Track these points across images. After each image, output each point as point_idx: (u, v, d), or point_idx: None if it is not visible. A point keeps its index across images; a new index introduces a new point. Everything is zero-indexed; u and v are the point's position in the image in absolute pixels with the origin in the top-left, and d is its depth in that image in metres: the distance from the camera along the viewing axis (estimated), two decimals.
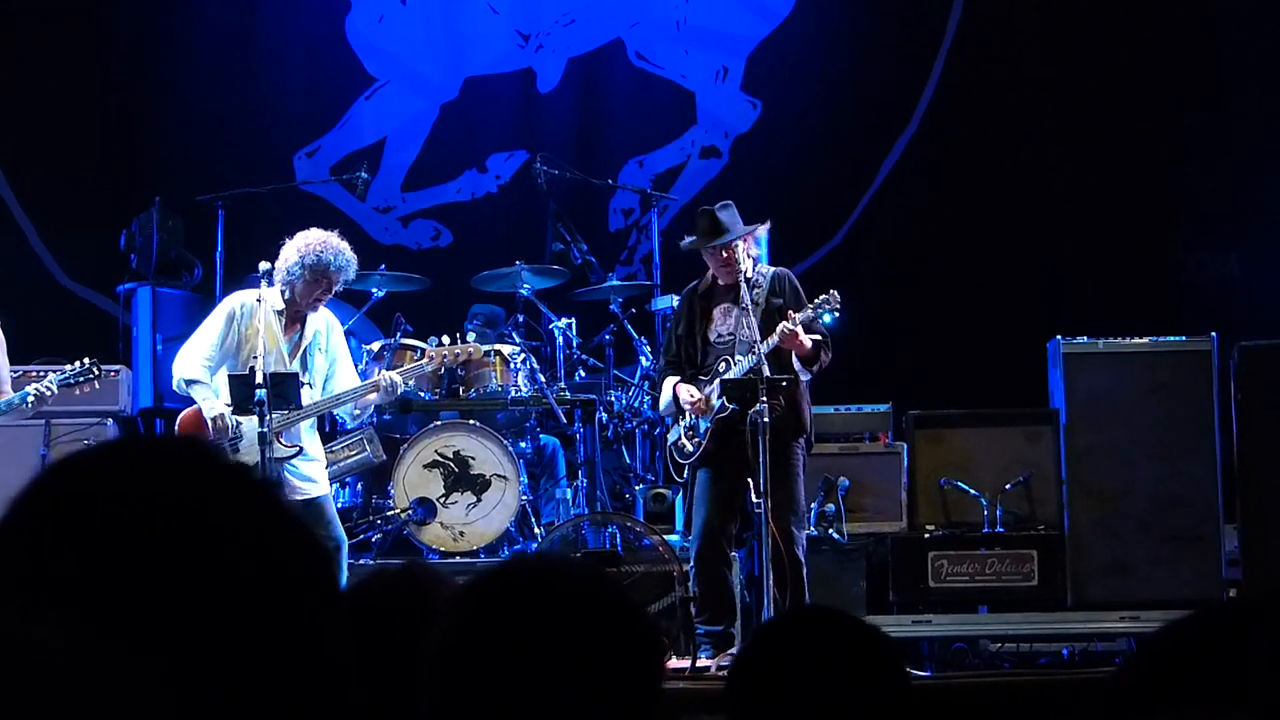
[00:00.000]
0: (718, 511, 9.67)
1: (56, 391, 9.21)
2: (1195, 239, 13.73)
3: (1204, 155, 13.59)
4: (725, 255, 9.62)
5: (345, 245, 9.38)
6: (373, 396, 9.53)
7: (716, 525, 9.66)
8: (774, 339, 9.38)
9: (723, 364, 9.58)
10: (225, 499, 1.58)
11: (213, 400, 9.25)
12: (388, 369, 11.17)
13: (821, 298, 9.48)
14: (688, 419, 9.72)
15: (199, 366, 9.35)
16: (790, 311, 9.49)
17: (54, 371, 9.36)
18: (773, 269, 9.90)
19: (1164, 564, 10.90)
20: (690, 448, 9.70)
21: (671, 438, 9.93)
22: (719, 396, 9.49)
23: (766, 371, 9.18)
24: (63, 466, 1.62)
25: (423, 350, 10.45)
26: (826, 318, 9.50)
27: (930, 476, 11.20)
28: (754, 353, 9.33)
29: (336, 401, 9.41)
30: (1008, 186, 13.79)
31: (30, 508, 1.57)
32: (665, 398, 9.89)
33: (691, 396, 9.63)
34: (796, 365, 9.51)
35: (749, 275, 9.63)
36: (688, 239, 9.90)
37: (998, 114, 13.94)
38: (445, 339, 9.94)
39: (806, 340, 9.43)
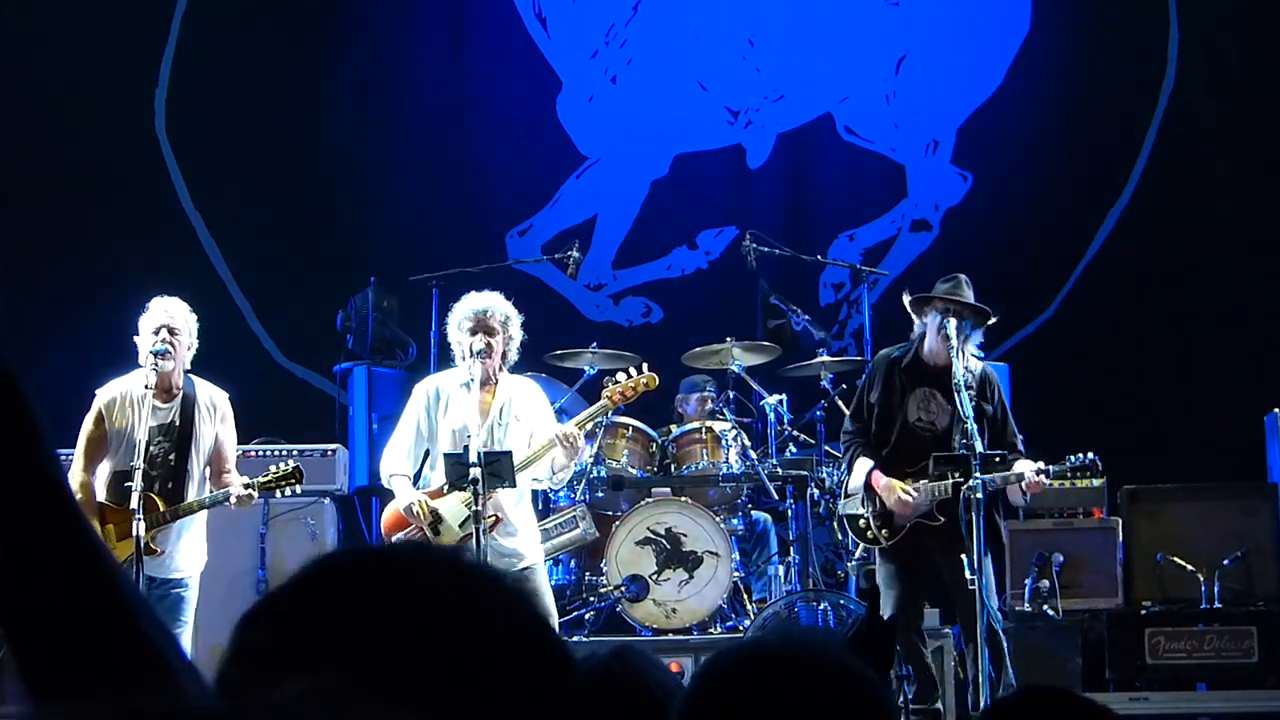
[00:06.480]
0: (912, 590, 9.58)
1: (258, 495, 9.35)
2: None
3: None
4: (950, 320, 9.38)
5: (487, 293, 9.48)
6: (557, 453, 9.28)
7: (910, 603, 9.57)
8: (1016, 480, 9.18)
9: (930, 462, 9.28)
10: (479, 605, 1.60)
11: (407, 492, 9.43)
12: (599, 444, 11.26)
13: (1082, 462, 9.29)
14: (879, 506, 9.55)
15: (399, 462, 9.55)
16: (1038, 467, 9.21)
17: (261, 475, 9.37)
18: (981, 365, 9.62)
19: None
20: (883, 540, 9.55)
21: (849, 510, 9.75)
22: (920, 487, 9.37)
23: (980, 446, 9.03)
24: (331, 559, 1.65)
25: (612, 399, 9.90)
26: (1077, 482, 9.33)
27: (1146, 551, 11.05)
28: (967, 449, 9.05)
29: (523, 464, 9.24)
30: (1223, 256, 13.57)
31: (296, 593, 1.60)
32: (858, 480, 9.62)
33: (904, 497, 9.38)
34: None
35: (957, 372, 9.30)
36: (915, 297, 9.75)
37: (1211, 182, 13.75)
38: (620, 375, 9.85)
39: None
